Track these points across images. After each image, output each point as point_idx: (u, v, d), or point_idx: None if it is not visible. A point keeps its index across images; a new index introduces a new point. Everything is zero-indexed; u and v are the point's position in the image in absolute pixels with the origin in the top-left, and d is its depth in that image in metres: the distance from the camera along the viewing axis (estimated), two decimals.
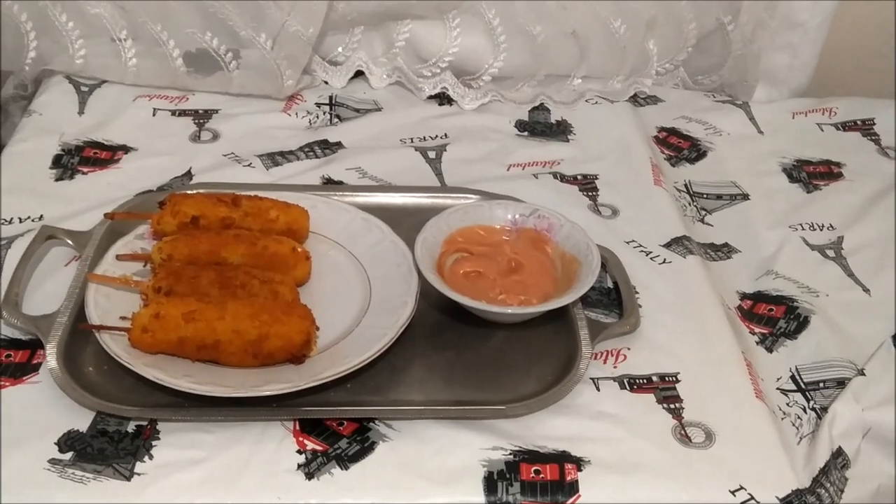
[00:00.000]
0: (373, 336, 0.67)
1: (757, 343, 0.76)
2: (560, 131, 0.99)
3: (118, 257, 0.72)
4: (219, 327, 0.63)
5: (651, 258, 0.81)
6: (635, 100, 1.06)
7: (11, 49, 0.98)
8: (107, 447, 0.61)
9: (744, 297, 0.81)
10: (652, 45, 1.06)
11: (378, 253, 0.76)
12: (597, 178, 0.91)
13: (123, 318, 0.67)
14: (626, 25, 1.02)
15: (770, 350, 0.76)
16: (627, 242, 0.83)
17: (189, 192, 0.80)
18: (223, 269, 0.69)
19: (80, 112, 0.95)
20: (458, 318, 0.72)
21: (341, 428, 0.64)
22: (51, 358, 0.65)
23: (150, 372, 0.62)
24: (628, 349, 0.72)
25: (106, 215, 0.76)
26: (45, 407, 0.63)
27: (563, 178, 0.91)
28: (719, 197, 0.93)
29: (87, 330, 0.65)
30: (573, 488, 0.61)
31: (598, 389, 0.69)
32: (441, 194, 0.85)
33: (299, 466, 0.61)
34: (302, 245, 0.74)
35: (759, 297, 0.81)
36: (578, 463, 0.63)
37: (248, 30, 0.95)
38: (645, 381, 0.70)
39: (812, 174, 0.97)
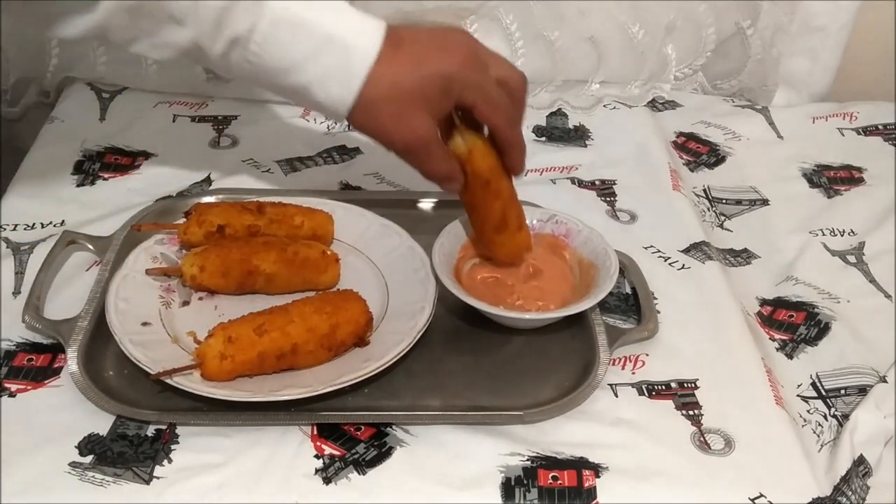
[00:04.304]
0: (390, 341, 0.67)
1: (777, 349, 0.76)
2: (578, 136, 0.99)
3: (147, 272, 0.72)
4: (292, 331, 0.64)
5: (670, 264, 0.81)
6: (653, 105, 1.06)
7: (34, 56, 0.99)
8: (126, 451, 0.62)
9: (763, 303, 0.80)
10: (670, 50, 1.05)
11: (396, 258, 0.76)
12: (615, 184, 0.91)
13: (145, 323, 0.68)
14: (645, 30, 1.01)
15: (790, 356, 0.75)
16: (646, 248, 0.83)
17: (213, 200, 0.81)
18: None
19: (102, 118, 0.96)
20: (476, 323, 0.72)
21: (359, 433, 0.64)
22: (72, 362, 0.66)
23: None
24: (647, 355, 0.71)
25: (134, 227, 0.76)
26: (65, 410, 0.64)
27: (580, 184, 0.91)
28: (738, 202, 0.92)
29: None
30: (591, 494, 0.61)
31: (616, 395, 0.68)
32: (459, 199, 0.85)
33: (317, 471, 0.61)
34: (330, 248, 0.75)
35: (779, 303, 0.80)
36: (596, 469, 0.63)
37: None
38: (663, 387, 0.69)
39: (833, 179, 0.96)
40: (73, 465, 0.60)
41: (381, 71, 0.63)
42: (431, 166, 0.68)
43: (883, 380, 0.71)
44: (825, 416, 0.70)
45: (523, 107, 0.70)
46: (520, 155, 0.70)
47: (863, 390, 0.71)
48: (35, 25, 0.63)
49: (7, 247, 0.77)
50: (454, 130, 0.68)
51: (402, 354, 0.66)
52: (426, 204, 0.85)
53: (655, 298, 0.76)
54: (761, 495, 0.62)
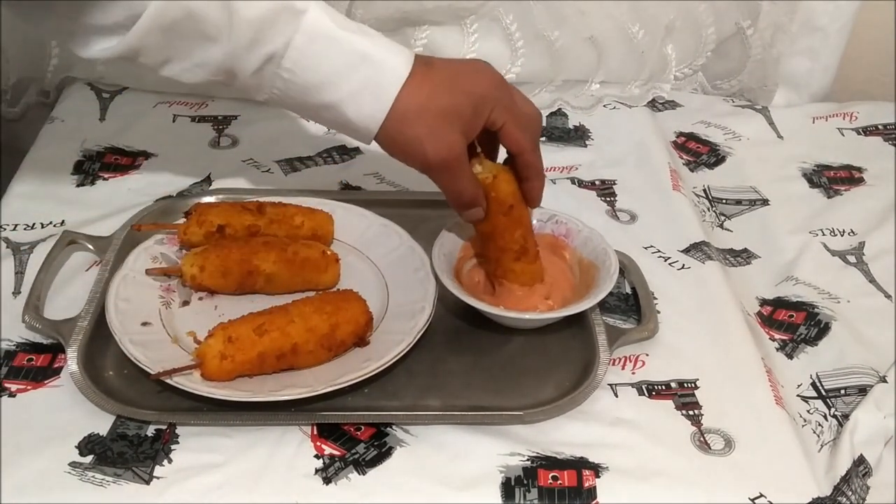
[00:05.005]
0: (390, 341, 0.67)
1: (777, 349, 0.76)
2: (578, 136, 0.99)
3: (147, 272, 0.72)
4: (292, 331, 0.64)
5: (670, 264, 0.81)
6: (653, 105, 1.06)
7: (34, 56, 0.99)
8: (126, 451, 0.62)
9: (763, 303, 0.80)
10: (670, 50, 1.05)
11: (396, 258, 0.76)
12: (615, 184, 0.91)
13: (145, 323, 0.68)
14: (645, 30, 1.01)
15: (790, 356, 0.75)
16: (646, 248, 0.83)
17: (213, 200, 0.81)
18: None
19: (102, 118, 0.96)
20: (476, 323, 0.72)
21: (359, 433, 0.64)
22: (72, 362, 0.66)
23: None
24: (647, 355, 0.71)
25: (134, 227, 0.76)
26: (65, 410, 0.64)
27: (580, 184, 0.91)
28: (738, 202, 0.92)
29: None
30: (591, 495, 0.61)
31: (616, 395, 0.68)
32: None
33: (317, 471, 0.61)
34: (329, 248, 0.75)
35: (779, 303, 0.80)
36: (596, 469, 0.63)
37: None
38: (663, 387, 0.69)
39: (833, 179, 0.96)
40: (73, 465, 0.60)
41: (414, 87, 0.64)
42: (462, 184, 0.67)
43: (883, 380, 0.71)
44: (825, 416, 0.70)
45: (539, 141, 0.70)
46: (540, 183, 0.70)
47: (863, 390, 0.71)
48: (64, 43, 0.64)
49: (7, 247, 0.77)
50: (473, 159, 0.68)
51: (402, 354, 0.66)
52: (427, 204, 0.85)
53: (655, 298, 0.76)
54: (761, 495, 0.62)
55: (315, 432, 0.64)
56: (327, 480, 0.61)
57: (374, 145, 0.99)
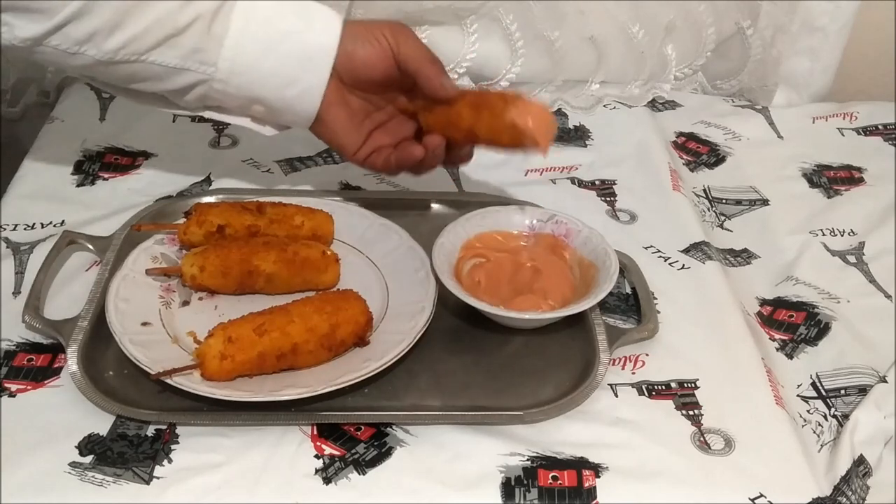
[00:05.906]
0: (390, 341, 0.67)
1: (777, 349, 0.76)
2: (578, 136, 0.99)
3: (147, 272, 0.72)
4: (292, 331, 0.64)
5: (670, 264, 0.81)
6: (653, 105, 1.06)
7: None
8: (126, 451, 0.62)
9: (763, 303, 0.80)
10: (670, 50, 1.05)
11: (396, 258, 0.76)
12: (615, 184, 0.91)
13: (145, 323, 0.68)
14: (645, 30, 1.01)
15: (790, 356, 0.75)
16: (646, 248, 0.83)
17: (213, 200, 0.81)
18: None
19: (102, 118, 0.96)
20: (476, 323, 0.72)
21: (359, 433, 0.64)
22: (72, 362, 0.66)
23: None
24: (647, 355, 0.71)
25: (133, 227, 0.76)
26: (65, 410, 0.64)
27: (580, 184, 0.91)
28: (738, 202, 0.92)
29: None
30: (591, 494, 0.61)
31: (616, 395, 0.68)
32: (459, 200, 0.85)
33: (317, 471, 0.61)
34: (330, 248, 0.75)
35: (779, 303, 0.80)
36: (596, 469, 0.63)
37: None
38: (663, 387, 0.69)
39: (833, 179, 0.96)
40: (73, 465, 0.61)
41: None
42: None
43: (883, 380, 0.71)
44: (825, 416, 0.70)
45: None
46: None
47: (863, 390, 0.71)
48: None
49: (7, 247, 0.77)
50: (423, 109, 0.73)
51: (402, 354, 0.66)
52: (427, 204, 0.85)
53: (655, 298, 0.76)
54: (761, 495, 0.62)
55: (315, 432, 0.64)
56: (327, 480, 0.61)
57: None
